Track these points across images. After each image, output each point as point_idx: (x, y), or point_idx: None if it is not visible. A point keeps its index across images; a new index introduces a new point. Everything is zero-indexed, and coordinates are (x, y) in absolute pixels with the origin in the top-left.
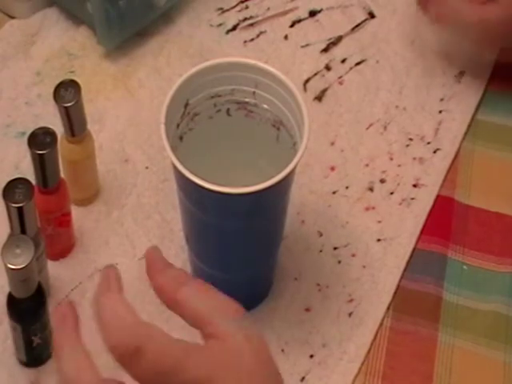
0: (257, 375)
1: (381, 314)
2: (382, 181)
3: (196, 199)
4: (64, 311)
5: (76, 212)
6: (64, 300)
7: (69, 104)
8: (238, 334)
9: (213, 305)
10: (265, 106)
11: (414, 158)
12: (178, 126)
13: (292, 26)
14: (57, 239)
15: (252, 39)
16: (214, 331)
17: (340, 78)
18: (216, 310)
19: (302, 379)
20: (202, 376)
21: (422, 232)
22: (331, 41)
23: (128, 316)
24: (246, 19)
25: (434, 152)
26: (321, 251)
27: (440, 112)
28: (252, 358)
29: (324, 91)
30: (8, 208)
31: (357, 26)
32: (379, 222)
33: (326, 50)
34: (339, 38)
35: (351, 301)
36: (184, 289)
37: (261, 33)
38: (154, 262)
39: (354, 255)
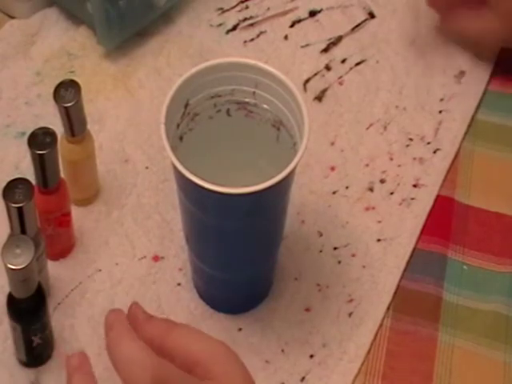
0: None
1: (381, 314)
2: (382, 181)
3: (196, 199)
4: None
5: (76, 212)
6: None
7: (69, 104)
8: (232, 374)
9: (203, 347)
10: (265, 106)
11: (414, 158)
12: (178, 126)
13: (292, 26)
14: (57, 239)
15: (252, 39)
16: (208, 373)
17: (340, 78)
18: (206, 352)
19: (302, 379)
20: None
21: (422, 232)
22: (331, 41)
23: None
24: (246, 19)
25: (434, 152)
26: (321, 251)
27: (440, 112)
28: None
29: (324, 91)
30: (8, 208)
31: (357, 26)
32: (379, 222)
33: (326, 50)
34: (339, 38)
35: (351, 301)
36: (174, 333)
37: (261, 33)
38: (138, 315)
39: (354, 255)
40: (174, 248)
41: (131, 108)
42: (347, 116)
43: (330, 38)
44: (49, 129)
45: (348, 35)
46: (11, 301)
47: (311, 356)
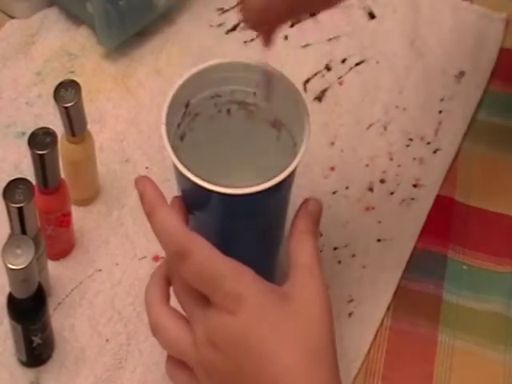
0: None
1: (381, 314)
2: (382, 181)
3: (196, 199)
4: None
5: (76, 212)
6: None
7: (69, 104)
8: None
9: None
10: (265, 106)
11: (414, 158)
12: (178, 126)
13: (292, 26)
14: (57, 239)
15: (252, 39)
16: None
17: (340, 78)
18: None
19: None
20: (234, 294)
21: (422, 232)
22: (331, 41)
23: (175, 226)
24: None
25: (434, 152)
26: (321, 251)
27: (440, 112)
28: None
29: (324, 91)
30: (8, 208)
31: (357, 26)
32: (379, 222)
33: (325, 50)
34: (339, 38)
35: (351, 301)
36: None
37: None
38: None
39: (354, 255)
40: None
41: (131, 108)
42: (347, 116)
43: (330, 38)
44: (49, 129)
45: (348, 35)
46: (11, 301)
47: None
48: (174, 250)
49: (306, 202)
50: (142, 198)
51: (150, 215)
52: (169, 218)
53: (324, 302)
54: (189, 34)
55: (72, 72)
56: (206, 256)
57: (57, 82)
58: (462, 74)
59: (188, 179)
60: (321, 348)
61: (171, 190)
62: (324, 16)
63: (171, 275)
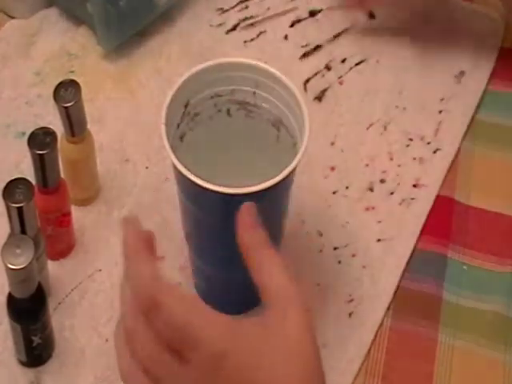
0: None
1: (381, 314)
2: (382, 181)
3: (196, 199)
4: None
5: (76, 212)
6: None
7: (69, 104)
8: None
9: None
10: (265, 106)
11: (414, 158)
12: (178, 126)
13: (292, 25)
14: (57, 239)
15: (252, 39)
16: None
17: (340, 78)
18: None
19: None
20: (216, 350)
21: (422, 232)
22: (331, 41)
23: (148, 276)
24: (246, 19)
25: (434, 152)
26: (321, 251)
27: (440, 112)
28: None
29: (324, 91)
30: (8, 208)
31: (357, 26)
32: (379, 222)
33: (325, 50)
34: (339, 38)
35: (351, 301)
36: (264, 251)
37: (261, 33)
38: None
39: (354, 255)
40: (174, 248)
41: (131, 108)
42: (347, 116)
43: (330, 38)
44: (49, 129)
45: (348, 35)
46: (11, 301)
47: None
48: (145, 303)
49: (241, 211)
50: (123, 241)
51: (126, 261)
52: (143, 269)
53: (308, 335)
54: (189, 33)
55: (72, 72)
56: (179, 308)
57: (57, 82)
58: (461, 73)
59: (188, 179)
60: None
61: (171, 190)
62: (324, 16)
63: (133, 332)
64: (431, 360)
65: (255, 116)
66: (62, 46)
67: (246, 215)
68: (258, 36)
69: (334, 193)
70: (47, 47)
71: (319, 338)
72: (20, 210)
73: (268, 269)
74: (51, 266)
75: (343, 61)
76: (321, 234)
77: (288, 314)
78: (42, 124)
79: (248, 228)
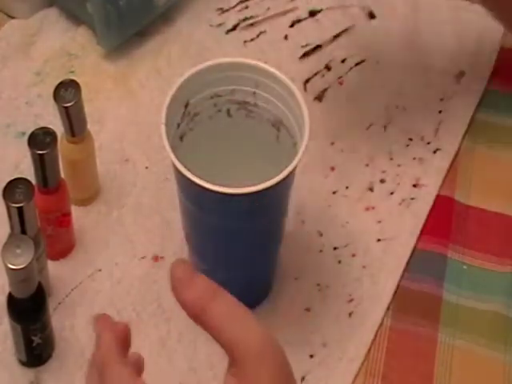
0: None
1: (381, 314)
2: (382, 181)
3: (196, 199)
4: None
5: (76, 212)
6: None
7: (69, 104)
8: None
9: (238, 331)
10: (265, 106)
11: (414, 158)
12: (178, 126)
13: (292, 25)
14: (57, 239)
15: (252, 39)
16: (234, 365)
17: (340, 78)
18: (239, 339)
19: (302, 379)
20: None
21: (421, 232)
22: (331, 41)
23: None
24: (246, 19)
25: (434, 152)
26: (321, 251)
27: (440, 112)
28: None
29: (324, 91)
30: (8, 208)
31: (357, 26)
32: (379, 222)
33: (325, 50)
34: (339, 38)
35: (351, 301)
36: (214, 302)
37: (261, 33)
38: (180, 277)
39: (354, 255)
40: (174, 248)
41: (131, 108)
42: (347, 116)
43: (330, 38)
44: (49, 129)
45: (348, 35)
46: (11, 301)
47: (311, 356)
48: None
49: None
50: (96, 342)
51: (101, 368)
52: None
53: None
54: (189, 33)
55: (72, 72)
56: None
57: (57, 82)
58: (461, 73)
59: (187, 179)
60: None
61: (171, 190)
62: (324, 16)
63: None
64: (431, 360)
65: (255, 116)
66: (62, 46)
67: (180, 272)
68: (257, 36)
69: (334, 193)
70: (47, 47)
71: (319, 337)
72: (20, 210)
73: (228, 324)
74: (51, 265)
75: (343, 61)
76: (321, 234)
77: (260, 374)
78: (42, 124)
79: (186, 283)
